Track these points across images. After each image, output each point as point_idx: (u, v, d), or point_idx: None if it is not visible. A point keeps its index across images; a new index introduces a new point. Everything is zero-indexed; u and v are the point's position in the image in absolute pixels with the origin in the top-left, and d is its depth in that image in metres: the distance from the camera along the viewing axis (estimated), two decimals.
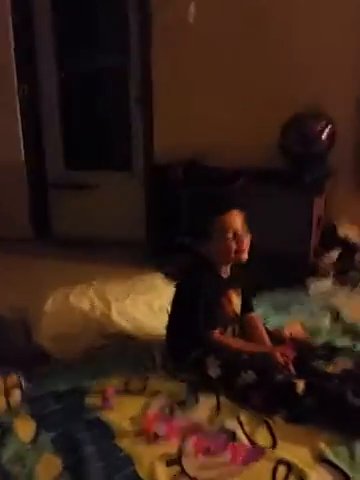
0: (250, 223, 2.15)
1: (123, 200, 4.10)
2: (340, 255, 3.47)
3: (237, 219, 2.09)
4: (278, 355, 1.99)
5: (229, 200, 2.24)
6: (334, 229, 3.56)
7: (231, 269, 2.21)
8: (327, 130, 3.33)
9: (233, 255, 2.09)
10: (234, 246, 2.07)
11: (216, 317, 2.12)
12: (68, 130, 4.27)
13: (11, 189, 4.15)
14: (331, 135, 3.36)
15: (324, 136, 3.34)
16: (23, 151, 4.13)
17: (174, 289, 2.29)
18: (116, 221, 4.09)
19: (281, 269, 3.25)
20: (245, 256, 2.12)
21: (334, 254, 3.45)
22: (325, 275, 3.34)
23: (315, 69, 3.44)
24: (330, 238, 3.56)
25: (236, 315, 2.24)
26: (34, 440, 1.69)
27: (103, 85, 4.25)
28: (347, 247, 3.51)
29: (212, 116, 3.72)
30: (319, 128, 3.34)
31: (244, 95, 3.64)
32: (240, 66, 3.60)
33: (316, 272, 3.35)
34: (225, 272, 2.19)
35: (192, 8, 3.55)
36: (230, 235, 2.06)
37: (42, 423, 1.78)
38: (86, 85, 4.29)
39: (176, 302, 2.23)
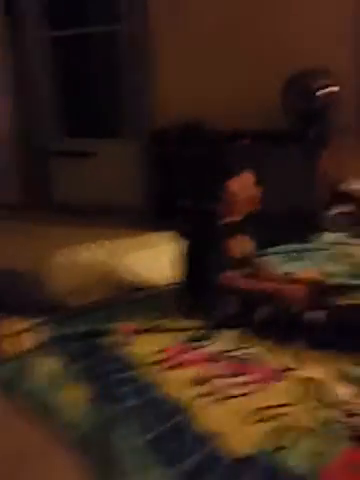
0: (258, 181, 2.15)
1: (122, 166, 4.08)
2: (350, 209, 3.46)
3: (249, 184, 2.10)
4: (288, 291, 1.98)
5: (236, 162, 2.22)
6: (342, 184, 3.55)
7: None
8: (328, 85, 3.32)
9: (244, 212, 2.13)
10: (244, 207, 2.10)
11: (223, 261, 2.10)
12: (65, 98, 4.26)
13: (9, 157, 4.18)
14: (332, 90, 3.34)
15: (325, 91, 3.33)
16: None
17: (185, 238, 2.29)
18: (115, 187, 4.09)
19: (292, 224, 3.26)
20: (257, 207, 2.13)
21: (343, 208, 3.44)
22: (336, 228, 3.33)
23: (315, 26, 3.42)
24: (337, 193, 3.55)
25: (247, 259, 2.23)
26: (60, 372, 1.69)
27: (98, 48, 4.23)
28: (356, 201, 3.50)
29: (211, 76, 3.70)
30: (320, 83, 3.33)
31: (244, 54, 3.62)
32: (240, 25, 3.58)
33: (326, 225, 3.34)
34: (235, 218, 2.19)
35: None
36: (241, 199, 2.08)
37: (66, 358, 1.77)
38: (80, 48, 4.26)
39: (187, 250, 2.23)
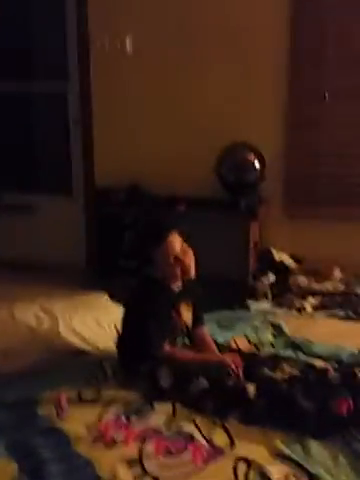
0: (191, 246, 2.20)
1: (62, 223, 4.06)
2: (276, 278, 3.63)
3: (175, 243, 2.12)
4: (229, 361, 2.04)
5: (166, 224, 2.26)
6: (269, 253, 3.73)
7: (183, 282, 2.25)
8: (256, 160, 3.56)
9: (180, 275, 2.16)
10: (178, 269, 2.13)
11: (166, 331, 2.14)
12: (3, 150, 4.22)
13: None
14: (261, 165, 3.58)
15: (254, 165, 3.56)
16: None
17: (124, 304, 2.31)
18: (55, 244, 4.04)
19: (222, 292, 3.35)
20: (192, 273, 2.18)
21: (271, 277, 3.61)
22: (263, 297, 3.47)
23: (245, 106, 3.69)
24: (266, 262, 3.72)
25: (187, 328, 2.28)
26: None
27: (41, 107, 4.26)
28: (282, 271, 3.68)
29: (151, 143, 3.86)
30: (249, 158, 3.56)
31: (182, 125, 3.82)
32: (178, 96, 3.80)
33: (255, 294, 3.47)
34: (177, 286, 2.23)
35: (128, 40, 3.71)
36: (171, 260, 2.11)
37: None
38: (22, 107, 4.27)
39: (127, 317, 2.24)
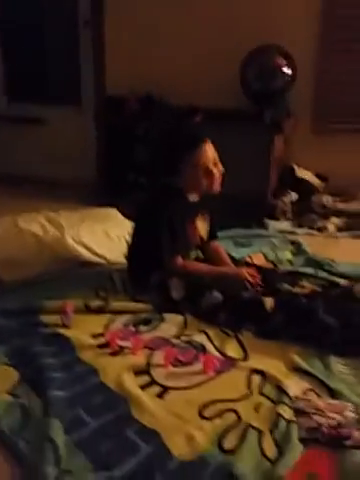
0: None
1: (72, 136, 3.85)
2: (298, 197, 3.44)
3: (209, 153, 1.91)
4: (246, 274, 1.90)
5: (201, 132, 2.04)
6: (292, 171, 3.51)
7: (200, 194, 2.07)
8: (286, 66, 3.25)
9: (205, 188, 1.96)
10: (205, 181, 1.93)
11: (180, 243, 1.99)
12: (10, 57, 3.94)
13: None
14: (291, 72, 3.27)
15: (284, 71, 3.25)
16: None
17: (136, 214, 2.15)
18: (64, 158, 3.86)
19: (239, 209, 3.18)
20: (217, 187, 1.99)
21: (292, 196, 3.41)
22: (283, 216, 3.29)
23: (275, 6, 3.33)
24: (288, 180, 3.51)
25: (201, 240, 2.13)
26: None
27: (49, 8, 3.92)
28: (305, 189, 3.48)
29: (168, 47, 3.54)
30: (279, 62, 3.24)
31: (203, 26, 3.48)
32: None
33: (274, 213, 3.30)
34: (194, 197, 2.06)
35: None
36: (202, 171, 1.91)
37: None
38: (28, 8, 3.93)
39: (139, 226, 2.09)
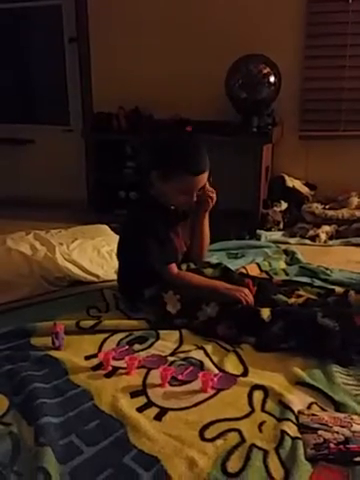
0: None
1: (61, 155, 3.81)
2: (288, 206, 3.41)
3: (201, 183, 1.86)
4: (241, 296, 1.81)
5: (195, 141, 1.94)
6: (282, 180, 3.49)
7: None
8: (271, 74, 3.24)
9: (181, 205, 1.94)
10: (183, 201, 1.89)
11: (170, 251, 1.94)
12: None
13: None
14: (276, 80, 3.27)
15: (269, 80, 3.24)
16: None
17: (121, 228, 2.10)
18: (54, 177, 3.82)
19: (231, 221, 3.15)
20: (191, 207, 1.95)
21: (283, 205, 3.39)
22: (275, 226, 3.26)
23: (261, 16, 3.34)
24: (278, 189, 3.49)
25: (186, 245, 2.08)
26: None
27: (34, 25, 3.91)
28: (295, 198, 3.46)
29: (155, 62, 3.54)
30: (263, 71, 3.24)
31: (187, 39, 3.48)
32: (182, 5, 3.42)
33: (266, 223, 3.26)
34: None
35: None
36: (184, 194, 1.87)
37: None
38: (14, 25, 3.93)
39: (125, 240, 2.03)
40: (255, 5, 3.32)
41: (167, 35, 3.49)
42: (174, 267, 1.92)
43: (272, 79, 3.23)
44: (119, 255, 2.07)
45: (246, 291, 1.85)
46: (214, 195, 1.98)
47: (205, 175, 1.86)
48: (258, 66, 3.22)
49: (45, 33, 3.87)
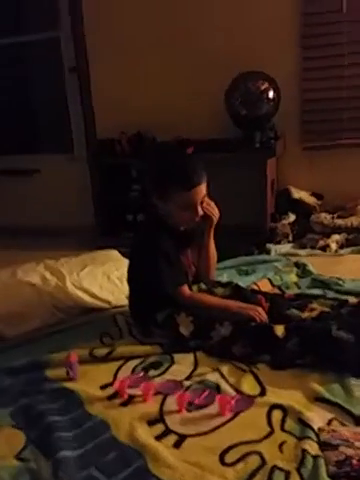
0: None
1: (66, 182, 3.85)
2: (296, 218, 3.40)
3: (199, 196, 1.86)
4: (254, 315, 1.81)
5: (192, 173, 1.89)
6: (288, 192, 3.48)
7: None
8: (270, 89, 3.26)
9: (186, 223, 1.93)
10: (188, 216, 1.89)
11: (180, 273, 1.94)
12: None
13: None
14: (275, 94, 3.28)
15: (268, 95, 3.26)
16: None
17: (130, 252, 2.10)
18: (60, 205, 3.85)
19: (240, 237, 3.14)
20: (198, 222, 1.94)
21: (291, 217, 3.37)
22: (284, 238, 3.25)
23: (256, 32, 3.37)
24: (285, 202, 3.48)
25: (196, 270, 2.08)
26: None
27: (33, 57, 3.99)
28: (302, 210, 3.44)
29: (154, 86, 3.57)
30: (262, 87, 3.26)
31: (185, 60, 3.52)
32: (178, 28, 3.47)
33: (275, 236, 3.25)
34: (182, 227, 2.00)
35: None
36: (186, 210, 1.87)
37: None
38: (14, 58, 4.00)
39: (135, 264, 2.03)
40: (250, 22, 3.35)
41: (164, 57, 3.53)
42: (186, 289, 1.91)
43: (271, 94, 3.24)
44: (129, 280, 2.07)
45: (259, 309, 1.83)
46: (214, 209, 1.96)
47: (202, 187, 1.84)
48: (256, 83, 3.23)
49: (45, 64, 3.94)
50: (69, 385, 1.58)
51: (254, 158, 3.24)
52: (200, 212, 1.88)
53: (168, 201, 1.86)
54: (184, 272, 1.97)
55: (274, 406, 1.42)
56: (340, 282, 2.34)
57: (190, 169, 1.85)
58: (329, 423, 1.35)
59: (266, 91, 3.25)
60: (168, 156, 2.07)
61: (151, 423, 1.38)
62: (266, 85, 3.26)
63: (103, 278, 2.33)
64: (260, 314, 1.81)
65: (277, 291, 2.31)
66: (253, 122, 3.28)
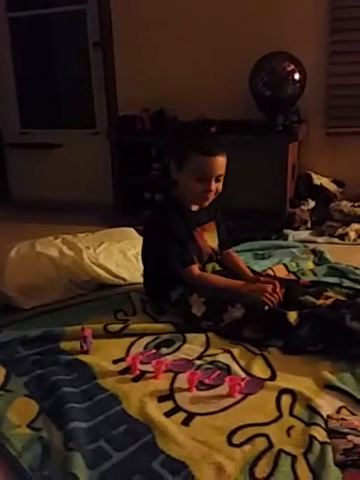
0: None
1: (87, 158, 3.86)
2: (316, 205, 3.37)
3: (220, 168, 1.82)
4: (267, 292, 1.81)
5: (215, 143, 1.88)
6: (309, 178, 3.45)
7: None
8: (296, 71, 3.20)
9: (195, 198, 1.90)
10: (199, 190, 1.85)
11: (190, 252, 1.92)
12: (23, 84, 3.98)
13: None
14: (301, 77, 3.23)
15: (293, 77, 3.20)
16: None
17: (143, 231, 2.10)
18: (81, 181, 3.87)
19: (257, 220, 3.13)
20: (206, 202, 1.92)
21: (310, 203, 3.34)
22: (302, 225, 3.23)
23: (284, 13, 3.30)
24: (305, 188, 3.45)
25: (213, 251, 2.07)
26: (3, 385, 1.48)
27: (58, 31, 3.97)
28: (322, 196, 3.41)
29: (178, 64, 3.54)
30: (288, 68, 3.20)
31: (211, 40, 3.47)
32: (205, 10, 3.42)
33: (293, 222, 3.23)
34: (195, 207, 1.98)
35: None
36: (212, 181, 1.83)
37: (11, 368, 1.57)
38: (40, 32, 3.99)
39: (147, 243, 2.04)
40: (278, 3, 3.28)
41: (190, 36, 3.49)
42: (194, 268, 1.91)
43: (297, 76, 3.18)
44: (143, 258, 2.09)
45: (269, 289, 1.82)
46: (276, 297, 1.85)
47: (220, 160, 1.81)
48: (282, 63, 3.18)
49: (70, 38, 3.91)
50: (82, 358, 1.61)
51: (276, 141, 3.20)
52: (213, 187, 1.85)
53: (183, 168, 1.84)
54: (195, 251, 1.96)
55: (283, 391, 1.43)
56: (357, 271, 2.32)
57: (212, 138, 1.83)
58: (338, 411, 1.35)
59: (292, 73, 3.19)
60: (188, 125, 2.04)
61: (161, 399, 1.40)
62: (292, 67, 3.20)
63: (119, 255, 2.35)
64: (271, 295, 1.80)
65: (293, 277, 2.29)
66: (276, 104, 3.23)
